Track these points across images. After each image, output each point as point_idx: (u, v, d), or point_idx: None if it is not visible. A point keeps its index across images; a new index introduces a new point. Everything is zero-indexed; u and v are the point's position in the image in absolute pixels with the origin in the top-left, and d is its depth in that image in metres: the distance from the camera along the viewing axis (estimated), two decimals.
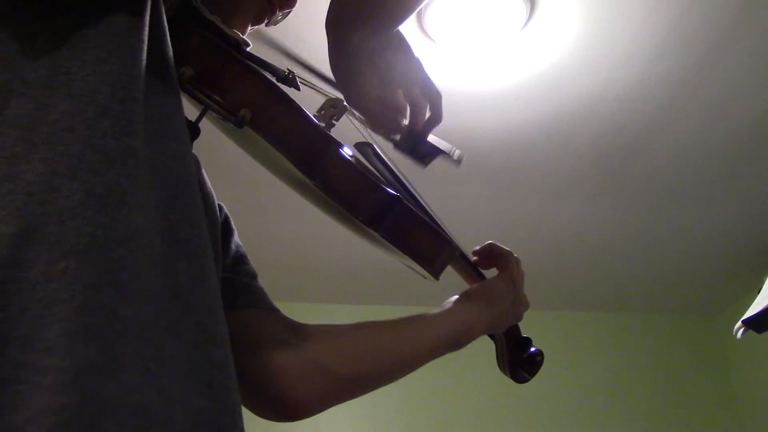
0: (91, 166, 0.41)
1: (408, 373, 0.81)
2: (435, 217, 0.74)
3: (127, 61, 0.45)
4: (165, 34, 0.51)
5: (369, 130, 0.73)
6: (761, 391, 3.05)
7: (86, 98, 0.43)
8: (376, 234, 0.62)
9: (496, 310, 0.86)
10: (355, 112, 0.71)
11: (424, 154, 0.72)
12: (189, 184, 0.49)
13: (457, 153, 0.71)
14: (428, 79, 0.71)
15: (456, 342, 0.82)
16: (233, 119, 0.56)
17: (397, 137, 0.72)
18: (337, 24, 0.65)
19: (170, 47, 0.52)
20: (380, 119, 0.69)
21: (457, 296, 0.88)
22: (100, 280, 0.38)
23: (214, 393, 0.43)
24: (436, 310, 0.85)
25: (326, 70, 0.70)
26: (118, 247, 0.40)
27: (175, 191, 0.47)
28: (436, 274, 0.68)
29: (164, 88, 0.50)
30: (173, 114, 0.50)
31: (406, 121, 0.71)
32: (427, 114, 0.72)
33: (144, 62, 0.47)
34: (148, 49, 0.48)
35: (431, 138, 0.72)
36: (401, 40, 0.68)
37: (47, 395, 0.34)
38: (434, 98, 0.71)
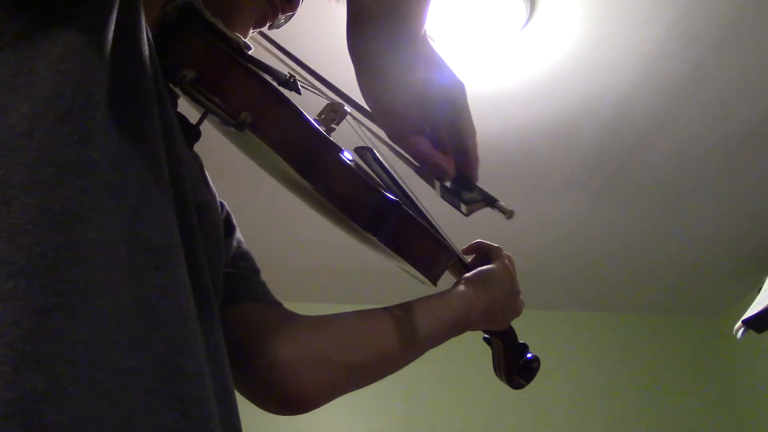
0: (46, 178, 0.38)
1: (412, 359, 0.80)
2: (434, 223, 0.74)
3: (92, 60, 0.43)
4: (141, 34, 0.49)
5: (375, 140, 0.71)
6: (761, 391, 3.05)
7: (46, 101, 0.40)
8: (374, 239, 0.62)
9: (494, 293, 0.85)
10: (390, 144, 0.64)
11: (469, 201, 0.66)
12: (160, 190, 0.46)
13: (509, 207, 0.65)
14: (469, 115, 0.65)
15: (456, 324, 0.81)
16: (234, 122, 0.55)
17: (443, 182, 0.65)
18: (356, 32, 0.58)
19: (147, 47, 0.49)
20: (423, 157, 0.62)
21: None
22: (49, 304, 0.36)
23: (185, 407, 0.41)
24: (433, 293, 0.83)
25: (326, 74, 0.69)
26: (71, 268, 0.37)
27: (143, 199, 0.45)
28: (434, 279, 0.68)
29: (136, 89, 0.47)
30: (144, 117, 0.47)
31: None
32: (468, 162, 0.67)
33: (110, 62, 0.44)
34: (121, 50, 0.46)
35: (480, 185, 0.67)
36: (439, 58, 0.63)
37: None
38: (473, 137, 0.66)
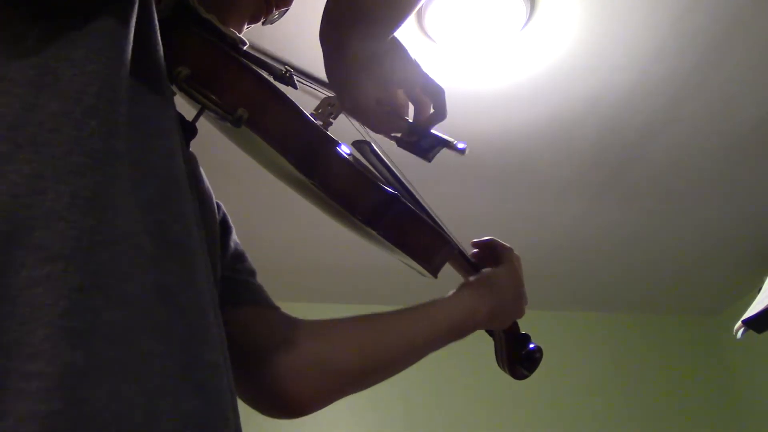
0: (77, 168, 0.40)
1: (411, 364, 0.80)
2: (433, 216, 0.74)
3: (114, 60, 0.45)
4: (155, 34, 0.51)
5: (369, 130, 0.73)
6: (761, 391, 3.05)
7: (73, 98, 0.42)
8: (374, 232, 0.62)
9: (498, 299, 0.85)
10: (353, 119, 0.70)
11: (427, 147, 0.72)
12: (178, 184, 0.48)
13: (460, 143, 0.71)
14: (428, 77, 0.70)
15: (458, 330, 0.82)
16: (230, 119, 0.55)
17: (398, 135, 0.72)
18: (330, 35, 0.64)
19: (160, 47, 0.51)
20: (378, 119, 0.69)
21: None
22: (85, 284, 0.38)
23: (205, 394, 0.43)
24: (437, 298, 0.84)
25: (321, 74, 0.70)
26: (103, 251, 0.39)
27: (164, 191, 0.47)
28: (434, 271, 0.68)
29: (153, 87, 0.49)
30: (163, 113, 0.50)
31: (409, 119, 0.71)
32: (431, 110, 0.72)
33: (130, 62, 0.46)
34: (137, 49, 0.47)
35: (434, 131, 0.72)
36: (396, 44, 0.68)
37: (31, 402, 0.34)
38: (436, 94, 0.71)
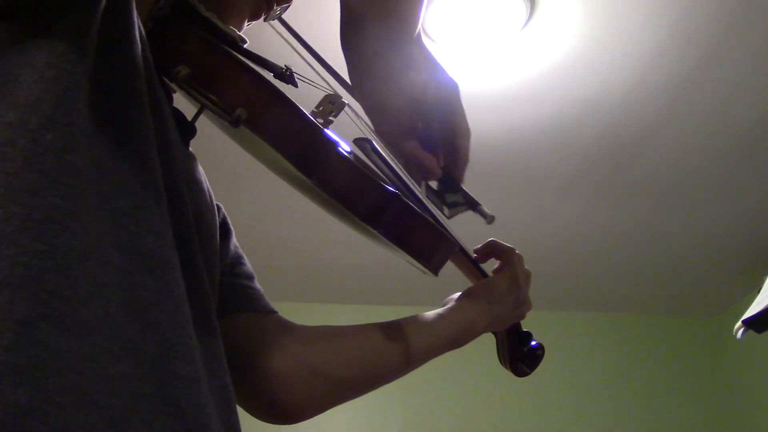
0: (30, 186, 0.37)
1: (407, 372, 0.80)
2: (435, 214, 0.73)
3: (77, 65, 0.42)
4: (132, 32, 0.48)
5: (370, 128, 0.72)
6: (761, 391, 3.05)
7: (30, 108, 0.39)
8: (374, 231, 0.61)
9: (498, 309, 0.85)
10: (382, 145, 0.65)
11: (451, 203, 0.66)
12: (155, 193, 0.46)
13: (489, 212, 0.65)
14: (464, 114, 0.65)
15: (456, 341, 0.82)
16: (229, 119, 0.55)
17: (429, 183, 0.66)
18: (350, 32, 0.60)
19: (138, 45, 0.48)
20: (414, 158, 0.63)
21: (458, 294, 0.87)
22: (33, 315, 0.35)
23: (180, 411, 0.41)
24: (437, 309, 0.84)
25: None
26: (55, 277, 0.36)
27: (137, 202, 0.44)
28: (435, 270, 0.68)
29: (127, 92, 0.46)
30: (139, 118, 0.47)
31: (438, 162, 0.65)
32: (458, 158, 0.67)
33: (98, 65, 0.44)
34: (110, 51, 0.45)
35: (464, 188, 0.67)
36: (433, 60, 0.63)
37: None
38: (467, 138, 0.66)
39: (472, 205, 0.67)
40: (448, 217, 0.67)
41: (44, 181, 0.38)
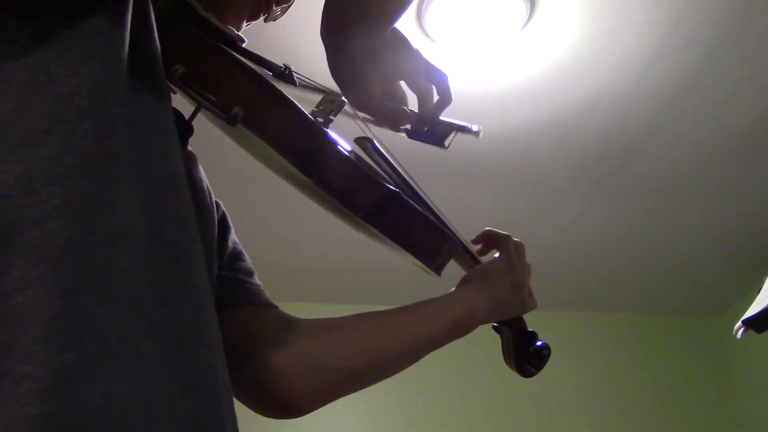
0: (69, 169, 0.40)
1: (411, 363, 0.80)
2: (437, 212, 0.73)
3: (108, 61, 0.45)
4: (152, 32, 0.50)
5: (374, 126, 0.72)
6: (761, 391, 3.05)
7: (65, 100, 0.42)
8: (375, 230, 0.61)
9: (496, 292, 0.85)
10: (360, 113, 0.70)
11: (441, 135, 0.71)
12: (176, 184, 0.48)
13: (474, 125, 0.71)
14: (430, 64, 0.71)
15: (459, 328, 0.81)
16: (226, 117, 0.55)
17: (408, 127, 0.72)
18: (332, 30, 0.64)
19: (158, 45, 0.51)
20: (387, 115, 0.70)
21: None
22: (76, 286, 0.37)
23: (199, 395, 0.43)
24: (436, 297, 0.83)
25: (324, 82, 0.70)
26: (96, 252, 0.39)
27: (160, 192, 0.46)
28: (437, 269, 0.68)
29: (151, 87, 0.49)
30: (160, 113, 0.49)
31: (415, 110, 0.71)
32: (436, 97, 0.72)
33: (126, 62, 0.46)
34: (133, 48, 0.47)
35: (444, 118, 0.72)
36: (398, 36, 0.68)
37: (22, 405, 0.33)
38: (440, 81, 0.72)
39: (460, 128, 0.72)
40: (446, 147, 0.72)
41: (83, 165, 0.41)
